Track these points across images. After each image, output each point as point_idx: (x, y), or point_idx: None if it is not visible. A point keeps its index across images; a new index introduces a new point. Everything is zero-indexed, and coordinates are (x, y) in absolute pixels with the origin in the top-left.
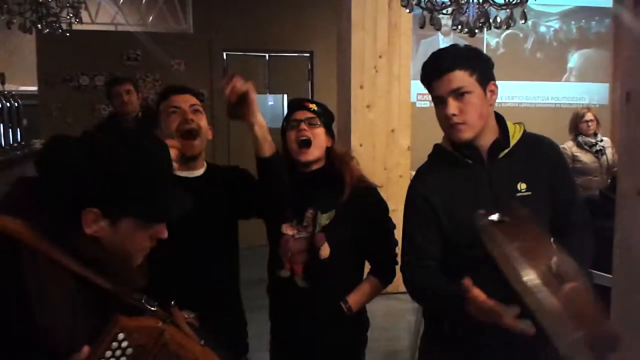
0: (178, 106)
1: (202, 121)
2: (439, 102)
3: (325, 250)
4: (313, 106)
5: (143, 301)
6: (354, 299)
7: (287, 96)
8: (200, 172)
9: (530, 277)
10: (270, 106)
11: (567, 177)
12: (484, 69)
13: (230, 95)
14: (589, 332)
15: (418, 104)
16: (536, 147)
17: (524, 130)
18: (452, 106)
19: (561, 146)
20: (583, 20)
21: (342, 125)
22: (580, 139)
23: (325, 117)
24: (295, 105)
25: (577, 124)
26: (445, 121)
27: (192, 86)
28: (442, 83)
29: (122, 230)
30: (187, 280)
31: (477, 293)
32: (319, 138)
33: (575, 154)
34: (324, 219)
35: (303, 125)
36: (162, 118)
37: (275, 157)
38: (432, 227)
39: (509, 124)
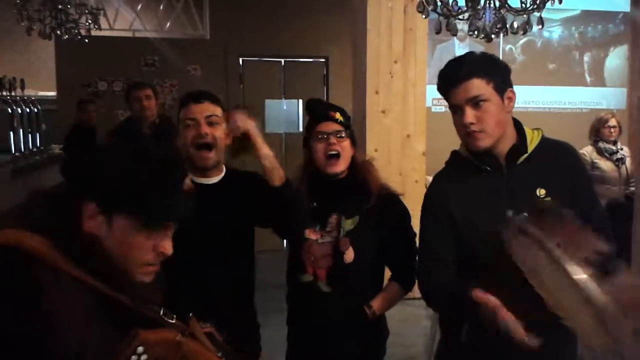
0: (194, 117)
1: (218, 132)
2: (456, 110)
3: (350, 255)
4: (339, 116)
5: (162, 313)
6: (377, 304)
7: (302, 101)
8: (217, 178)
9: (578, 274)
10: (285, 111)
11: (587, 182)
12: (501, 77)
13: (232, 132)
14: None
15: (434, 109)
16: (555, 152)
17: (543, 136)
18: (470, 115)
19: (580, 151)
20: (598, 25)
21: (357, 131)
22: (600, 144)
23: (350, 126)
24: (320, 115)
25: (599, 129)
26: (463, 129)
27: (208, 90)
28: (459, 91)
29: (116, 229)
30: (203, 287)
31: (489, 299)
32: (347, 150)
33: (595, 160)
34: (348, 224)
35: (332, 139)
36: (180, 128)
37: (285, 185)
38: (448, 234)
39: (527, 130)
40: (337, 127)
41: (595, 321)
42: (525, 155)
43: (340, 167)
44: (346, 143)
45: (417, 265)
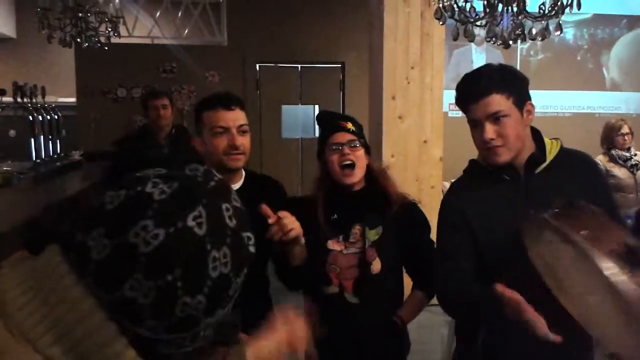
0: (226, 127)
1: (248, 141)
2: (475, 125)
3: (377, 265)
4: (350, 126)
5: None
6: (405, 313)
7: (319, 107)
8: (238, 184)
9: (608, 267)
10: (301, 117)
11: (607, 192)
12: (520, 90)
13: (278, 236)
14: None
15: (450, 114)
16: (573, 162)
17: (562, 146)
18: (490, 131)
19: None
20: (606, 28)
21: (374, 137)
22: (614, 152)
23: (362, 134)
24: (331, 126)
25: (612, 137)
26: (482, 144)
27: None
28: (478, 107)
29: None
30: None
31: (512, 294)
32: (361, 159)
33: (610, 168)
34: (373, 234)
35: (346, 150)
36: (206, 132)
37: (304, 266)
38: (466, 240)
39: (546, 140)
40: (350, 136)
41: (622, 319)
42: (544, 164)
43: (356, 176)
44: (360, 152)
45: (435, 271)
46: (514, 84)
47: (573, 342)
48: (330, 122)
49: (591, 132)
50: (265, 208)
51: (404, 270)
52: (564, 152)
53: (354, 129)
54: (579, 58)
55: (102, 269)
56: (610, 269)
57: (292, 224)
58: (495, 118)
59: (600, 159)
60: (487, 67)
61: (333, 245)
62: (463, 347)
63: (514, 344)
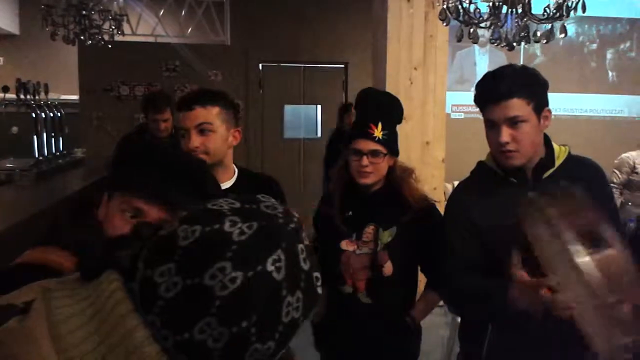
0: (186, 128)
1: (210, 142)
2: (492, 126)
3: (388, 268)
4: (378, 133)
5: None
6: (417, 312)
7: (322, 107)
8: (228, 183)
9: (576, 247)
10: (304, 117)
11: (609, 199)
12: (540, 96)
13: None
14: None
15: (453, 115)
16: (580, 168)
17: (569, 152)
18: (506, 134)
19: (625, 154)
20: (609, 25)
21: None
22: None
23: (391, 139)
24: (359, 129)
25: None
26: (497, 146)
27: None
28: (498, 109)
29: (110, 208)
30: None
31: (522, 273)
32: (380, 168)
33: (638, 165)
34: (386, 236)
35: (365, 161)
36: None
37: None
38: (472, 238)
39: (555, 146)
40: (373, 145)
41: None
42: (552, 170)
43: (371, 180)
44: (380, 160)
45: (443, 270)
46: (536, 89)
47: (579, 342)
48: (360, 123)
49: (591, 134)
50: None
51: (418, 269)
52: (571, 159)
53: (380, 136)
54: (581, 59)
55: (172, 308)
56: (576, 248)
57: None
58: (514, 122)
59: (633, 155)
60: (511, 68)
61: (346, 245)
62: (468, 347)
63: (520, 346)
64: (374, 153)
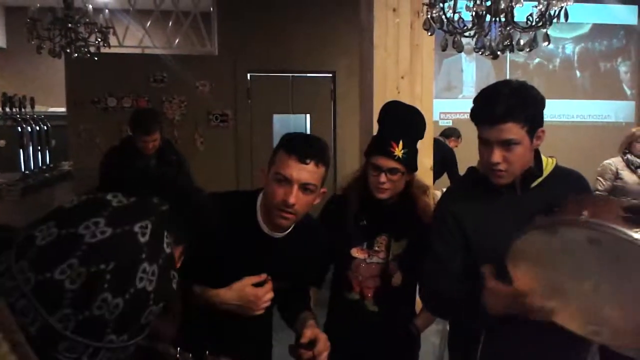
0: (289, 178)
1: (307, 204)
2: (485, 144)
3: (397, 279)
4: (399, 152)
5: (178, 355)
6: (421, 322)
7: (310, 116)
8: (283, 233)
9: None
10: (293, 126)
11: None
12: (536, 118)
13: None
14: None
15: (441, 122)
16: (567, 179)
17: (556, 164)
18: (498, 155)
19: (606, 161)
20: (603, 40)
21: (364, 146)
22: (629, 156)
23: (410, 157)
24: (380, 146)
25: (631, 143)
26: (488, 164)
27: (217, 106)
28: (492, 130)
29: None
30: (235, 326)
31: (496, 283)
32: (398, 184)
33: (620, 171)
34: (397, 247)
35: (383, 178)
36: (270, 175)
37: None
38: (457, 243)
39: (542, 157)
40: (392, 164)
41: None
42: (540, 179)
43: (387, 195)
44: (398, 177)
45: (423, 270)
46: (531, 110)
47: (569, 346)
48: (381, 139)
49: (578, 140)
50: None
51: None
52: (557, 170)
53: (400, 155)
54: (564, 67)
55: (43, 252)
56: (634, 232)
57: (323, 347)
58: (507, 144)
59: (615, 161)
60: (508, 87)
61: (357, 253)
62: (457, 357)
63: (512, 355)
64: (392, 171)
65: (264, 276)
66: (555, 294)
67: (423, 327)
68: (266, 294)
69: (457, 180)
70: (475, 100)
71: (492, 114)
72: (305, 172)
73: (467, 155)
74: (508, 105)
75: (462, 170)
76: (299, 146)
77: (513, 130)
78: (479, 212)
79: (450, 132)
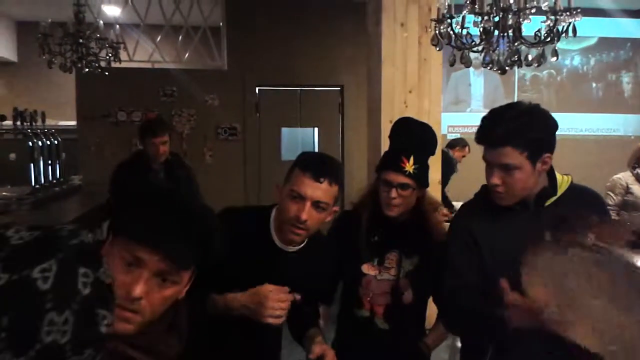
0: (302, 195)
1: (318, 221)
2: (487, 164)
3: (408, 296)
4: (409, 167)
5: None
6: (431, 340)
7: (319, 129)
8: (296, 247)
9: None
10: (301, 139)
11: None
12: (537, 144)
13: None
14: None
15: (449, 136)
16: (580, 197)
17: (571, 182)
18: (497, 177)
19: (616, 176)
20: (610, 52)
21: (372, 160)
22: (638, 171)
23: (421, 172)
24: (391, 162)
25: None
26: (488, 184)
27: (225, 120)
28: (491, 153)
29: (112, 250)
30: (237, 342)
31: (516, 296)
32: (408, 200)
33: (630, 185)
34: (408, 264)
35: (393, 193)
36: (284, 191)
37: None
38: (473, 258)
39: (557, 175)
40: (403, 179)
41: None
42: (554, 198)
43: (397, 212)
44: (409, 193)
45: (442, 288)
46: (532, 135)
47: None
48: (392, 154)
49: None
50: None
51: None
52: (572, 188)
53: (411, 170)
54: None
55: None
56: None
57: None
58: (506, 168)
59: (625, 175)
60: (513, 111)
61: (368, 269)
62: None
63: None
64: (403, 186)
65: (286, 289)
66: (569, 309)
67: (434, 346)
68: (281, 294)
69: (473, 198)
70: (481, 120)
71: (491, 137)
72: (319, 190)
73: (477, 169)
74: (507, 130)
75: (471, 183)
76: (314, 165)
77: (511, 155)
78: (492, 228)
79: (455, 143)
